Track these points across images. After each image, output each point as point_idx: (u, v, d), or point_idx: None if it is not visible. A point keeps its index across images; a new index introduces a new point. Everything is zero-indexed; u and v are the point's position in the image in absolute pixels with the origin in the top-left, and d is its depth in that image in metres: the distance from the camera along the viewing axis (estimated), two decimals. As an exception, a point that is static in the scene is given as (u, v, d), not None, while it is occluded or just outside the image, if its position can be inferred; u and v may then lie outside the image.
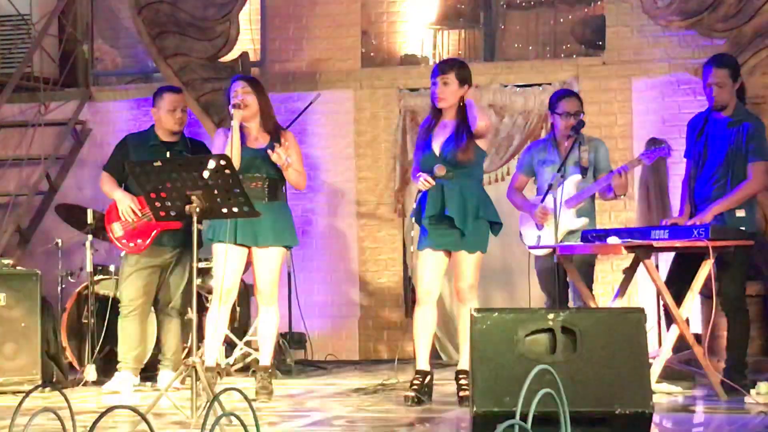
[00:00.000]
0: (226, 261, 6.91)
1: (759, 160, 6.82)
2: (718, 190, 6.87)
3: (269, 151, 6.85)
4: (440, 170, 6.52)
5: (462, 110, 6.62)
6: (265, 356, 7.06)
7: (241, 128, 6.97)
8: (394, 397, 6.91)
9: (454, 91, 6.61)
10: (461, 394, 6.52)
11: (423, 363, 6.65)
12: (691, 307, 6.78)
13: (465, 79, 6.63)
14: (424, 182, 6.55)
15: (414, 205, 6.75)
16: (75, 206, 8.76)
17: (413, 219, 6.76)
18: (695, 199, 7.02)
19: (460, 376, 6.59)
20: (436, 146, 6.63)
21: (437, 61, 6.81)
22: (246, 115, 6.97)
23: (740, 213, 6.83)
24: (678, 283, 6.85)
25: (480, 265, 6.67)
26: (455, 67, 6.65)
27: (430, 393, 6.68)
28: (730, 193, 6.80)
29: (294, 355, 9.10)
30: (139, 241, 7.57)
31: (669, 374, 6.93)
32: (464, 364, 6.60)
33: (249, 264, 7.15)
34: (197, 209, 5.96)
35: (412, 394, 6.54)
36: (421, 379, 6.60)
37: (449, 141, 6.59)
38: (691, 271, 6.71)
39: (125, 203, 7.53)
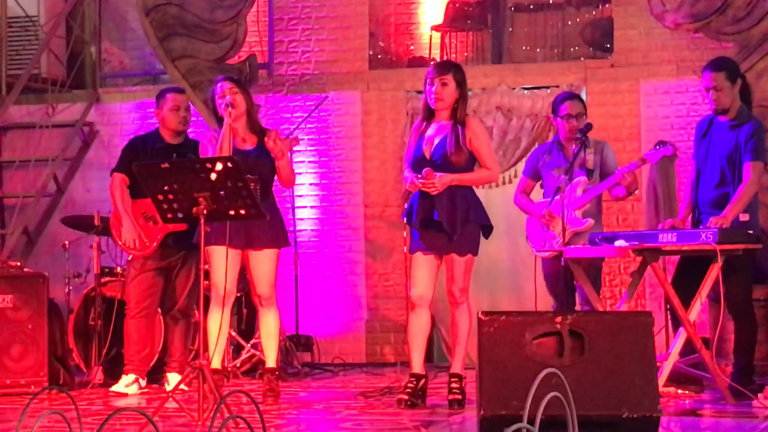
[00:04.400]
0: (222, 263, 6.89)
1: (754, 160, 6.83)
2: (724, 194, 6.86)
3: (266, 138, 6.84)
4: (429, 174, 6.49)
5: (455, 113, 6.62)
6: (271, 358, 7.05)
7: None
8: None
9: (452, 92, 6.61)
10: (451, 397, 6.54)
11: (418, 366, 6.66)
12: (699, 310, 6.77)
13: (461, 82, 6.64)
14: (412, 185, 6.54)
15: (406, 207, 6.72)
16: (82, 216, 8.75)
17: (405, 221, 6.73)
18: (698, 201, 7.02)
19: (452, 380, 6.60)
20: (427, 149, 6.62)
21: (437, 62, 6.80)
22: (236, 115, 6.96)
23: (744, 217, 6.83)
24: (683, 286, 6.84)
25: (471, 268, 6.68)
26: (453, 69, 6.66)
27: (424, 396, 6.68)
28: (739, 196, 6.78)
29: (301, 357, 9.09)
30: (145, 243, 7.57)
31: (676, 378, 6.92)
32: (457, 367, 6.62)
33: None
34: (204, 211, 5.96)
35: (405, 397, 6.55)
36: (415, 383, 6.61)
37: (441, 144, 6.59)
38: (697, 274, 6.70)
39: (131, 236, 7.52)
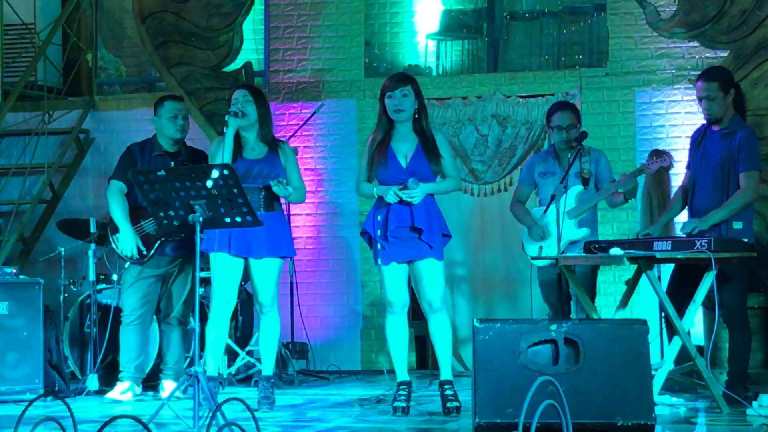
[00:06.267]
0: (223, 270, 6.91)
1: (751, 170, 6.85)
2: (719, 202, 6.89)
3: (271, 184, 6.87)
4: (416, 185, 6.53)
5: (419, 123, 6.67)
6: (268, 366, 7.05)
7: (239, 138, 6.96)
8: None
9: (412, 103, 6.66)
10: (447, 403, 6.56)
11: (404, 374, 6.70)
12: (694, 318, 6.78)
13: (419, 92, 6.71)
14: (394, 196, 6.55)
15: (378, 218, 6.69)
16: (77, 220, 8.76)
17: (375, 232, 6.68)
18: (694, 210, 7.05)
19: (446, 387, 6.62)
20: (402, 158, 6.65)
21: (392, 75, 6.85)
22: (244, 124, 6.97)
23: (738, 225, 6.84)
24: (678, 294, 6.85)
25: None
26: (410, 81, 6.72)
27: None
28: (727, 203, 6.82)
29: (296, 365, 9.09)
30: (143, 251, 7.57)
31: (671, 386, 6.93)
32: (446, 374, 6.64)
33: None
34: (200, 218, 5.96)
35: (404, 404, 6.57)
36: (407, 390, 6.64)
37: (418, 153, 6.63)
38: (691, 282, 6.71)
39: (128, 244, 7.52)
